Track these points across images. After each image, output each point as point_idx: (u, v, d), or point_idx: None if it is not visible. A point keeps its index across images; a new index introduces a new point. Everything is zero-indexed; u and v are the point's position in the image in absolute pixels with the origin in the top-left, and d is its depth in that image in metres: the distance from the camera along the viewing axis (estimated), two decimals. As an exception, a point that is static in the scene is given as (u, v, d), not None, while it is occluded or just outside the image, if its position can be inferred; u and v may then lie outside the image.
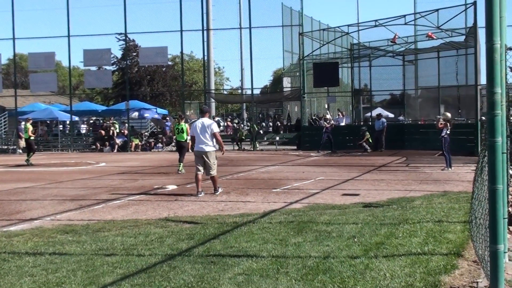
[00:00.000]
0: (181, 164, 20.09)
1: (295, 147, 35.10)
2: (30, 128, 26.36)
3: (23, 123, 28.79)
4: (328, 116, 32.68)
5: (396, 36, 31.40)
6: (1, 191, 15.73)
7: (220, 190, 14.21)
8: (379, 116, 32.83)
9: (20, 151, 34.50)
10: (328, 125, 31.03)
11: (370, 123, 34.98)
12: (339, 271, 6.42)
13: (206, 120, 14.17)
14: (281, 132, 42.47)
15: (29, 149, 26.32)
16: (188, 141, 19.40)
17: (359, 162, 24.33)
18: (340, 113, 39.36)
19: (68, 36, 37.99)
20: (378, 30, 31.93)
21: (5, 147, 40.22)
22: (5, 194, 15.07)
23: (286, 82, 44.97)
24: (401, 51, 36.35)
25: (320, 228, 8.97)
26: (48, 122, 43.18)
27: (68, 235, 9.04)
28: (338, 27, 34.91)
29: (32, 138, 26.31)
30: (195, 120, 15.89)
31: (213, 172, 14.05)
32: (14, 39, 38.86)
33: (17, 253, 7.81)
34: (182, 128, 20.33)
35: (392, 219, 9.61)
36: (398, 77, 37.06)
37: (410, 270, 6.39)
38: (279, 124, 44.56)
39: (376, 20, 31.30)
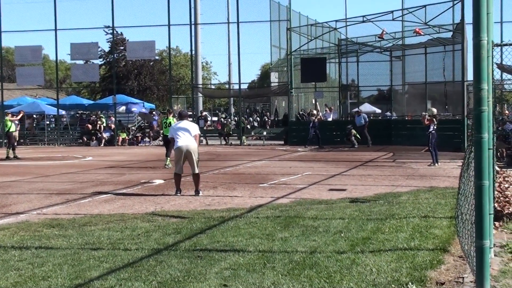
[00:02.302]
0: (168, 158, 19.99)
1: (282, 142, 35.10)
2: (14, 119, 26.21)
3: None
4: (314, 112, 32.68)
5: (384, 32, 31.47)
6: (-14, 185, 15.63)
7: (201, 193, 13.19)
8: (358, 112, 32.90)
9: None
10: (315, 119, 30.99)
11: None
12: (326, 266, 6.44)
13: (187, 123, 13.61)
14: (268, 127, 42.42)
15: (9, 143, 25.92)
16: None
17: (346, 157, 24.37)
18: (327, 108, 39.38)
19: (55, 29, 37.69)
20: (365, 25, 32.03)
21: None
22: (-9, 188, 14.99)
23: (274, 77, 44.91)
24: (388, 46, 36.40)
25: (307, 223, 8.99)
26: (35, 116, 42.84)
27: (54, 229, 9.00)
28: (326, 22, 34.95)
29: (12, 130, 25.79)
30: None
31: (198, 170, 13.40)
32: (0, 32, 38.49)
33: (3, 247, 7.77)
34: (170, 123, 20.20)
35: (379, 214, 9.65)
36: (386, 72, 37.09)
37: (396, 265, 6.41)
38: (266, 119, 44.46)
39: (363, 16, 31.40)
